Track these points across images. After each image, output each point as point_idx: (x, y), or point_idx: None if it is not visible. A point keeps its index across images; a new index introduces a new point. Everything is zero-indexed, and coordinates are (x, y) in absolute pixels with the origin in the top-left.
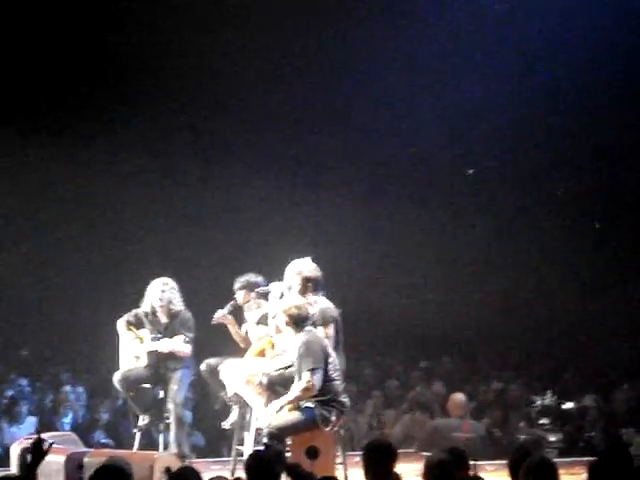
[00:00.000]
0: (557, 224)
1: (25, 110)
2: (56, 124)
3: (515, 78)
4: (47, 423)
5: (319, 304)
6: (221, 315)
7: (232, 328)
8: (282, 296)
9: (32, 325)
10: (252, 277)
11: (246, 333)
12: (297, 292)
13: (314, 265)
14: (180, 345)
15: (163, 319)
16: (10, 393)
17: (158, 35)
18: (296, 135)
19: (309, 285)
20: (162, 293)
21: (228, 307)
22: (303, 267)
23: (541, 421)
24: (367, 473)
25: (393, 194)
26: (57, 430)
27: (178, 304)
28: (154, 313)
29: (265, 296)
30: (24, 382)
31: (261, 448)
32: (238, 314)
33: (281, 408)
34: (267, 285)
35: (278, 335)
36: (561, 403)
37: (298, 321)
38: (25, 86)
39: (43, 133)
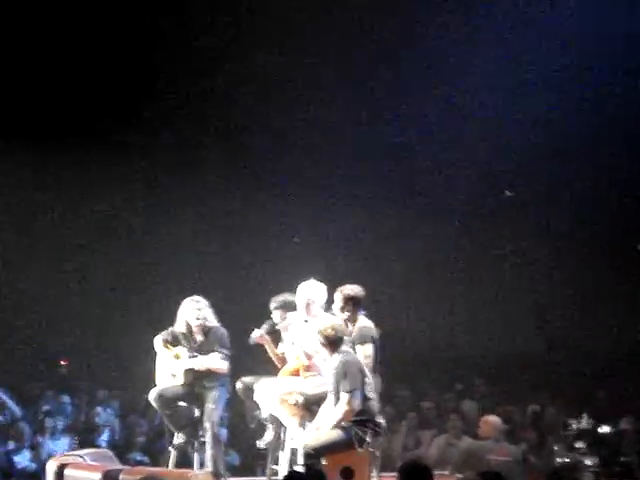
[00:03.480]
0: (590, 248)
1: (58, 124)
2: (93, 139)
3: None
4: (84, 440)
5: (359, 323)
6: (258, 335)
7: (269, 348)
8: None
9: (69, 343)
10: (288, 296)
11: (283, 353)
12: (338, 310)
13: (356, 285)
14: (217, 362)
15: (199, 337)
16: (46, 408)
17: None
18: (326, 154)
19: (349, 303)
20: (198, 312)
21: (265, 327)
22: (346, 286)
23: (577, 445)
24: None
25: (422, 215)
26: (94, 447)
27: (212, 320)
28: (190, 331)
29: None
30: (66, 399)
31: (300, 468)
32: (275, 333)
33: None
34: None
35: (310, 360)
36: (597, 426)
37: (334, 342)
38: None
39: (77, 147)
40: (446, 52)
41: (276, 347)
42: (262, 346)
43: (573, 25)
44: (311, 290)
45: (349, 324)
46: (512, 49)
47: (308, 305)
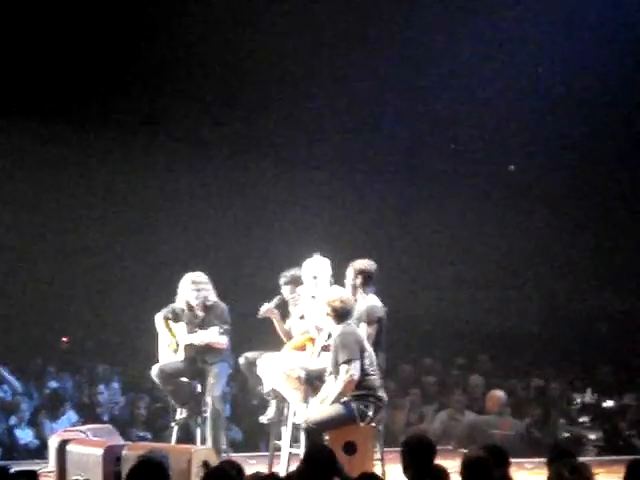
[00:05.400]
0: (594, 223)
1: (60, 102)
2: (93, 117)
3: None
4: (86, 415)
5: (367, 301)
6: (267, 309)
7: (277, 322)
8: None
9: (71, 318)
10: (298, 271)
11: (290, 328)
12: (350, 285)
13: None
14: (215, 337)
15: (199, 313)
16: (53, 385)
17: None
18: (329, 129)
19: (359, 277)
20: (197, 292)
21: (274, 301)
22: (358, 260)
23: (581, 419)
24: (406, 469)
25: (428, 192)
26: (96, 422)
27: (212, 297)
28: (190, 308)
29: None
30: (67, 376)
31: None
32: (283, 308)
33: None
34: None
35: (319, 334)
36: (601, 401)
37: (340, 315)
38: (60, 75)
39: (78, 125)
40: (451, 24)
41: (284, 322)
42: (270, 320)
43: None
44: (315, 265)
45: (359, 298)
46: (522, 22)
47: (314, 280)
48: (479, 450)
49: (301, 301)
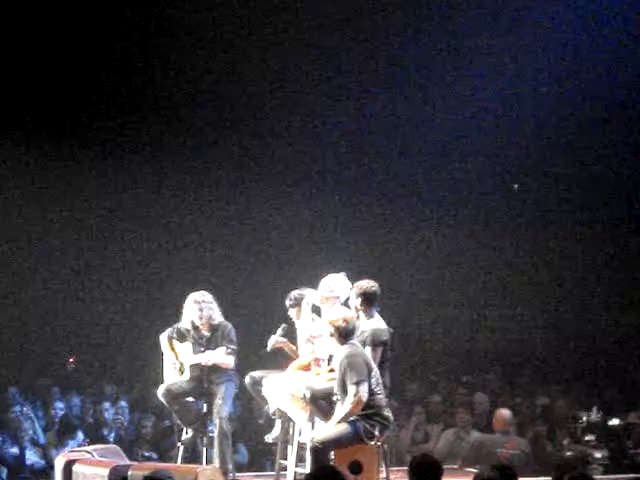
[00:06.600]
0: (598, 241)
1: (60, 121)
2: (95, 138)
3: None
4: (92, 435)
5: (372, 323)
6: (274, 341)
7: (288, 349)
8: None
9: (76, 339)
10: (304, 292)
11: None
12: (353, 305)
13: (371, 281)
14: (222, 357)
15: (205, 332)
16: (59, 406)
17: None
18: (335, 151)
19: (362, 299)
20: (200, 312)
21: (279, 331)
22: (361, 281)
23: (587, 437)
24: None
25: (435, 211)
26: (102, 442)
27: (217, 317)
28: (195, 328)
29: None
30: (76, 400)
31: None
32: (291, 331)
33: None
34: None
35: (309, 341)
36: (607, 419)
37: (344, 334)
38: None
39: (79, 146)
40: (454, 40)
41: (294, 344)
42: (282, 349)
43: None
44: (337, 282)
45: (362, 320)
46: (520, 39)
47: (329, 295)
48: (489, 469)
49: (305, 313)
